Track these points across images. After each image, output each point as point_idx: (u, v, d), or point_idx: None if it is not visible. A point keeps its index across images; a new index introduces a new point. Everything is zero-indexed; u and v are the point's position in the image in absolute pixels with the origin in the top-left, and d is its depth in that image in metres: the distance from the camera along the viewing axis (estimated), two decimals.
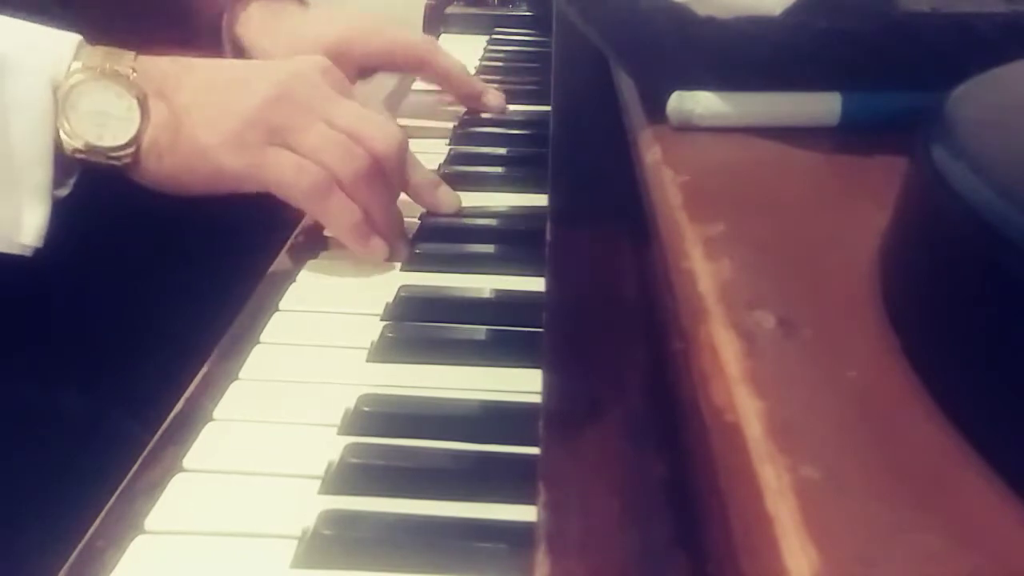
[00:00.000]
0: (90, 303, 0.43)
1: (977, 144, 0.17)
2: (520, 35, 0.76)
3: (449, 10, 0.80)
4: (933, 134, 0.18)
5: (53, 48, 0.33)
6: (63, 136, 0.33)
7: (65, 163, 0.33)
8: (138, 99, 0.34)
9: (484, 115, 0.54)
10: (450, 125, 0.52)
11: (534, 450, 0.25)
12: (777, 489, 0.14)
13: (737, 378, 0.16)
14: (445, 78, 0.53)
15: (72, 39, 0.34)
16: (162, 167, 0.35)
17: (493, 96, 0.54)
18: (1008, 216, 0.14)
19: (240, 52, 0.50)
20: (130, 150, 0.33)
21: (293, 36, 0.49)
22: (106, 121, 0.33)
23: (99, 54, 0.33)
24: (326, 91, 0.36)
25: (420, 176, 0.39)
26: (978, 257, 0.15)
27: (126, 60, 0.34)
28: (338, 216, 0.36)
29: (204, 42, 0.50)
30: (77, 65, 0.33)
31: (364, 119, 0.36)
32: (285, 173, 0.34)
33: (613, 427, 0.24)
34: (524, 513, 0.23)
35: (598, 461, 0.23)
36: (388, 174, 0.36)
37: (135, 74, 0.34)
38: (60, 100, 0.32)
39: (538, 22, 0.77)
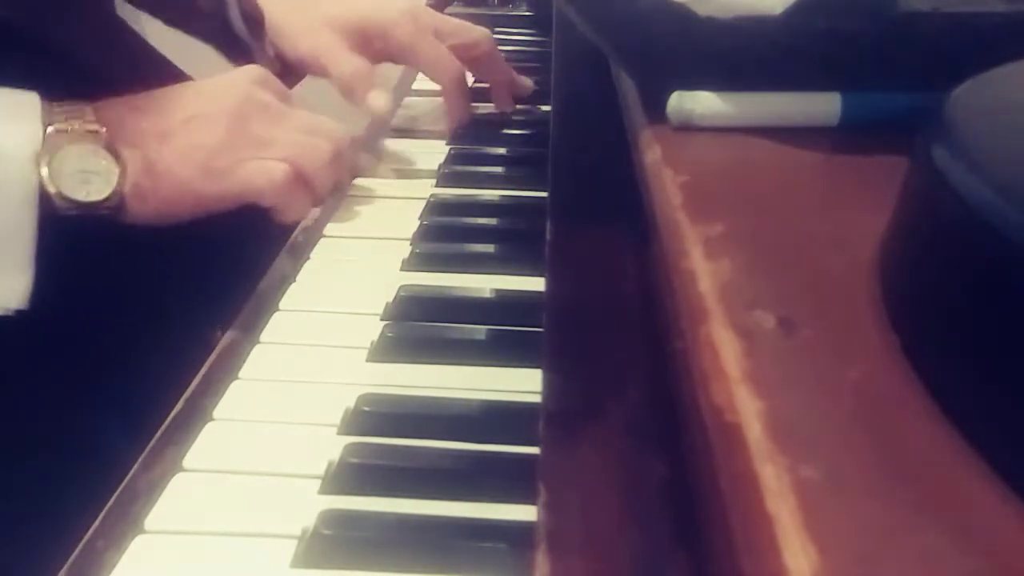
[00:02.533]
0: (90, 302, 0.43)
1: (977, 144, 0.17)
2: (520, 35, 0.76)
3: (449, 10, 0.80)
4: (933, 134, 0.18)
5: (19, 123, 0.34)
6: (51, 198, 0.34)
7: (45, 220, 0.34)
8: (112, 152, 0.35)
9: (485, 115, 0.54)
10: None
11: (534, 450, 0.25)
12: (777, 489, 0.14)
13: (737, 378, 0.16)
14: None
15: (33, 107, 0.34)
16: (147, 208, 0.36)
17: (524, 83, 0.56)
18: (1008, 216, 0.14)
19: (255, 22, 0.50)
20: (115, 200, 0.35)
21: (315, 8, 0.49)
22: (89, 178, 0.34)
23: (61, 114, 0.35)
24: (273, 104, 0.39)
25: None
26: (978, 257, 0.15)
27: (88, 115, 0.35)
28: (300, 207, 0.40)
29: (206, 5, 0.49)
30: (51, 130, 0.34)
31: (313, 121, 0.40)
32: (256, 180, 0.38)
33: (613, 427, 0.24)
34: (524, 513, 0.23)
35: (598, 461, 0.23)
36: (344, 159, 0.41)
37: (103, 129, 0.35)
38: (46, 168, 0.33)
39: (538, 22, 0.77)
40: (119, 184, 0.35)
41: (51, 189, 0.34)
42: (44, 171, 0.33)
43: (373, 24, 0.48)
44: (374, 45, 0.49)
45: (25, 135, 0.34)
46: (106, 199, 0.35)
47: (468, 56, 0.50)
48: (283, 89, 0.41)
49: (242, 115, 0.38)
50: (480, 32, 0.53)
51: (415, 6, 0.49)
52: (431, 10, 0.50)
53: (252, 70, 0.40)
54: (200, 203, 0.37)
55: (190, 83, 0.43)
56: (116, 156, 0.35)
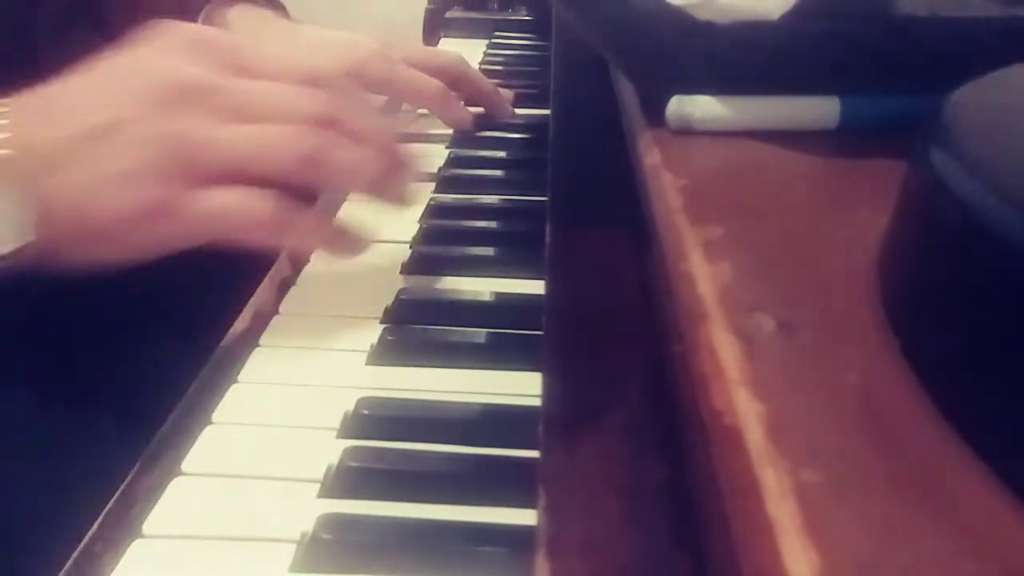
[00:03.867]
0: (89, 305, 0.42)
1: (975, 147, 0.17)
2: (520, 39, 0.76)
3: (449, 14, 0.80)
4: (931, 137, 0.18)
5: None
6: None
7: None
8: (19, 187, 0.27)
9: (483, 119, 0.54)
10: (448, 131, 0.52)
11: (534, 453, 0.25)
12: (778, 492, 0.14)
13: (737, 381, 0.16)
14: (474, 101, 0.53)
15: None
16: (75, 257, 0.28)
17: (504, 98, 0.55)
18: (1007, 219, 0.14)
19: None
20: (19, 256, 0.27)
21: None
22: None
23: None
24: (208, 83, 0.28)
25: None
26: (977, 260, 0.15)
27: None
28: (303, 233, 0.32)
29: None
30: None
31: (278, 86, 0.29)
32: (217, 220, 0.29)
33: (613, 430, 0.24)
34: (524, 517, 0.23)
35: (598, 464, 0.23)
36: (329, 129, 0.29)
37: (7, 152, 0.26)
38: None
39: (538, 26, 0.77)
40: (24, 231, 0.26)
41: None
42: None
43: (346, 69, 0.47)
44: None
45: None
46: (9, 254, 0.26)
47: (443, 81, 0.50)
48: (230, 45, 0.29)
49: (161, 114, 0.26)
50: (450, 57, 0.52)
51: (383, 41, 0.49)
52: (398, 42, 0.49)
53: (177, 29, 0.28)
54: (148, 249, 0.28)
55: (102, 64, 0.29)
56: (22, 192, 0.26)
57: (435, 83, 0.49)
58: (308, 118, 0.29)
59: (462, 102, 0.52)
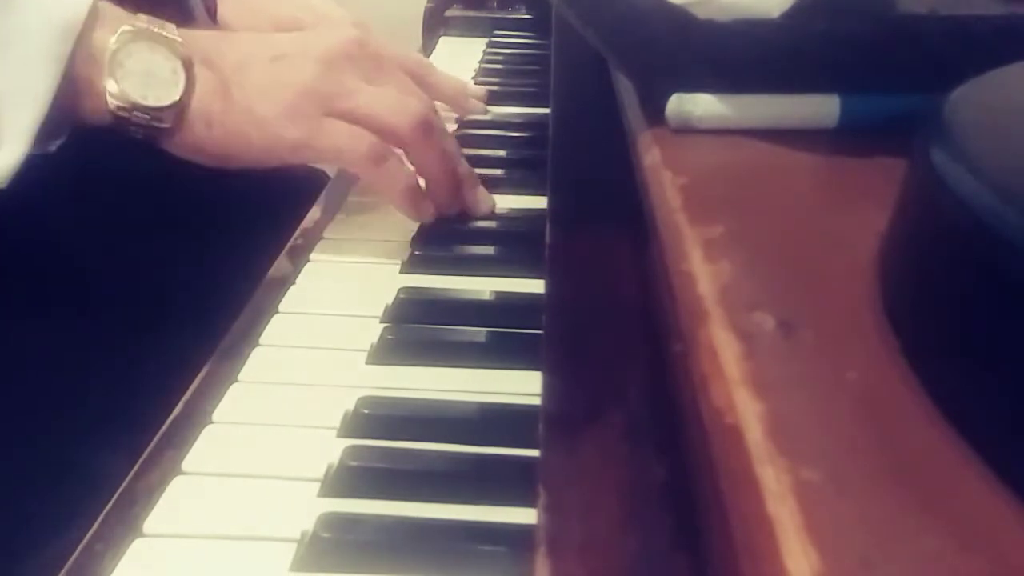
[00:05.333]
0: (88, 305, 0.42)
1: (975, 146, 0.17)
2: (519, 38, 0.76)
3: (449, 13, 0.80)
4: (931, 136, 0.18)
5: None
6: (107, 95, 0.33)
7: (62, 117, 0.33)
8: (183, 63, 0.34)
9: (481, 118, 0.54)
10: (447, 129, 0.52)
11: (534, 452, 0.25)
12: (777, 491, 0.14)
13: (737, 380, 0.16)
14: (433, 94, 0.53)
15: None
16: (212, 135, 0.35)
17: (476, 95, 0.55)
18: (1006, 218, 0.14)
19: (212, 12, 0.50)
20: (173, 112, 0.34)
21: (256, 8, 0.49)
22: (151, 82, 0.33)
23: (143, 19, 0.34)
24: (368, 62, 0.38)
25: (464, 170, 0.41)
26: (976, 259, 0.15)
27: (170, 27, 0.34)
28: (391, 181, 0.37)
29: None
30: (127, 28, 0.33)
31: (409, 84, 0.39)
32: (340, 141, 0.36)
33: (613, 429, 0.24)
34: (524, 516, 0.23)
35: (598, 463, 0.23)
36: (438, 128, 0.38)
37: (181, 40, 0.34)
38: (108, 58, 0.33)
39: (537, 25, 0.77)
40: (183, 97, 0.33)
41: (109, 82, 0.32)
42: (106, 61, 0.32)
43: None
44: None
45: (74, 3, 0.32)
46: (164, 107, 0.33)
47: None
48: (378, 53, 0.39)
49: (335, 64, 0.36)
50: (411, 59, 0.51)
51: (362, 31, 0.49)
52: (374, 37, 0.50)
53: (350, 30, 0.39)
54: (275, 146, 0.35)
55: (283, 33, 0.41)
56: (187, 68, 0.34)
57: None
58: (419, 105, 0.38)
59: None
